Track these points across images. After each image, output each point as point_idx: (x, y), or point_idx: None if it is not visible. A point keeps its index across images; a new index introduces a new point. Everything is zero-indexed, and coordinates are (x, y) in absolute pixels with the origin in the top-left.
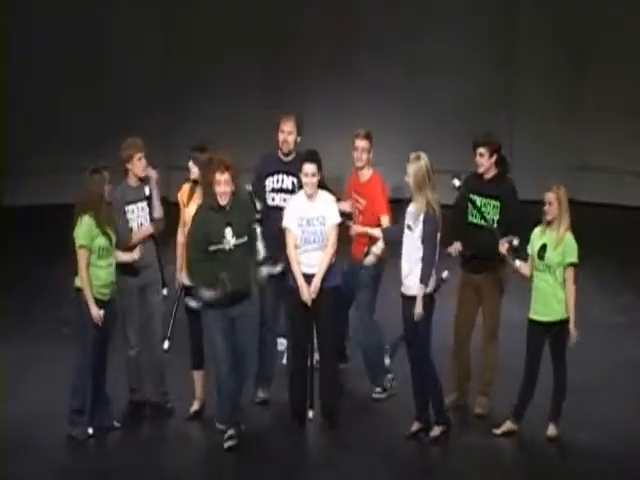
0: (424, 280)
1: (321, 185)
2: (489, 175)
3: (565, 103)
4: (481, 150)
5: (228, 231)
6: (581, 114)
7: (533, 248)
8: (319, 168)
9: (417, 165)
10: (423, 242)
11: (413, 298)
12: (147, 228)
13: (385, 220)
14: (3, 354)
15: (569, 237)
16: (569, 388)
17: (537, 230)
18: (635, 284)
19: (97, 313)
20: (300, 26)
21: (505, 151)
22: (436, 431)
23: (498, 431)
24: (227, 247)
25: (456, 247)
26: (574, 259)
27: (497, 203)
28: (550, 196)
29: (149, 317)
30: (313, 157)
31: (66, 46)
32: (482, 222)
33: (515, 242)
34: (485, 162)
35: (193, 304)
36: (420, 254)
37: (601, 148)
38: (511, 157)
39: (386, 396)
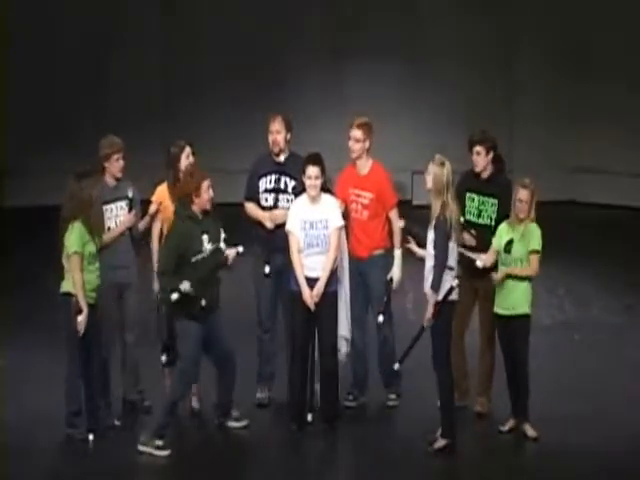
0: (434, 287)
1: (324, 188)
2: (486, 173)
3: (565, 104)
4: (478, 148)
5: (205, 238)
6: (581, 115)
7: (500, 242)
8: (322, 171)
9: (439, 171)
10: (434, 249)
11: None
12: (127, 219)
13: (395, 214)
14: (3, 355)
15: (533, 227)
16: (570, 389)
17: (504, 225)
18: (636, 285)
19: (84, 318)
20: (300, 25)
21: (505, 152)
22: (440, 443)
23: (504, 428)
24: (205, 255)
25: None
26: (536, 246)
27: (495, 201)
28: (524, 194)
29: (124, 317)
30: (316, 160)
31: (66, 49)
32: (479, 220)
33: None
34: (482, 161)
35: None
36: (432, 262)
37: (601, 149)
38: (511, 158)
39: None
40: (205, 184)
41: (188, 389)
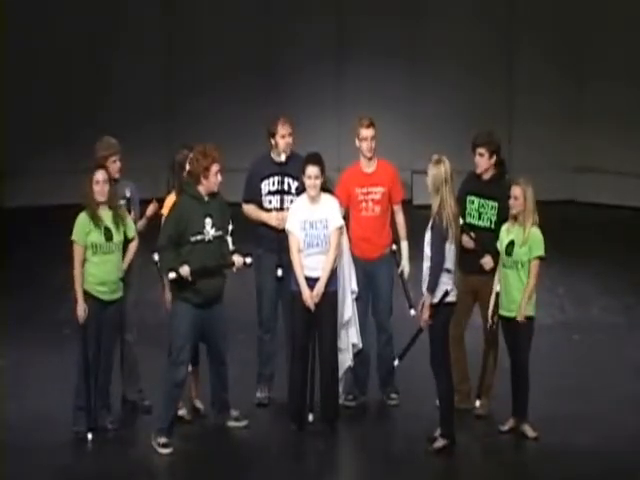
0: (430, 288)
1: (324, 188)
2: (488, 176)
3: (565, 104)
4: (480, 150)
5: (208, 222)
6: (581, 115)
7: (502, 245)
8: (322, 171)
9: (436, 170)
10: (430, 250)
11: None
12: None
13: (400, 208)
14: (3, 354)
15: (535, 231)
16: (570, 389)
17: (505, 227)
18: (636, 285)
19: (82, 310)
20: (300, 25)
21: (504, 152)
22: (440, 442)
23: (504, 428)
24: (206, 238)
25: (467, 240)
26: (540, 252)
27: (495, 204)
28: (516, 190)
29: (123, 317)
30: (316, 160)
31: (66, 49)
32: (480, 223)
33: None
34: (484, 163)
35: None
36: (429, 263)
37: (601, 149)
38: (510, 158)
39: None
40: (214, 168)
41: (180, 373)
